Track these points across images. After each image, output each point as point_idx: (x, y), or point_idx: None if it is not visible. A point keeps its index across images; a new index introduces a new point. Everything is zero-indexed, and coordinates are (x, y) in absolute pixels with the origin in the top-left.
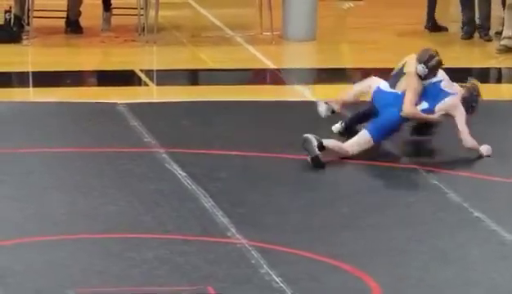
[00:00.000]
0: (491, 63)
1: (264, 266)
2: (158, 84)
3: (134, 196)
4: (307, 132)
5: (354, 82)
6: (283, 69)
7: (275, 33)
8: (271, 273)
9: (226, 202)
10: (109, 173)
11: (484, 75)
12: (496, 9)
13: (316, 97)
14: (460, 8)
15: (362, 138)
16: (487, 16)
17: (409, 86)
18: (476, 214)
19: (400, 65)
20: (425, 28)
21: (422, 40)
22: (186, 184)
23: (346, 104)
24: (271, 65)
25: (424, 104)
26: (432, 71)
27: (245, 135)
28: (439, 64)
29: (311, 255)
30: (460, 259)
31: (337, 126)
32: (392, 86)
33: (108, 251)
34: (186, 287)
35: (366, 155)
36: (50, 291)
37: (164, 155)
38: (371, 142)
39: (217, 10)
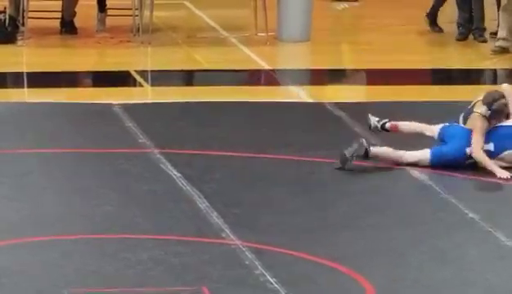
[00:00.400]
0: (486, 64)
1: (259, 267)
2: (153, 85)
3: (129, 197)
4: (302, 133)
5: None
6: (278, 70)
7: (269, 33)
8: (265, 274)
9: (220, 203)
10: (104, 174)
11: (479, 76)
12: (490, 10)
13: (312, 98)
14: (455, 9)
15: (423, 155)
16: (481, 17)
17: (475, 128)
18: (471, 215)
19: (471, 105)
20: (426, 15)
21: (417, 41)
22: (180, 184)
23: (396, 130)
24: (265, 66)
25: (490, 146)
26: (495, 114)
27: (240, 136)
28: (503, 108)
29: (306, 256)
30: (457, 259)
31: (374, 121)
32: (463, 123)
33: (103, 251)
34: (180, 288)
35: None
36: (45, 292)
37: (159, 156)
38: (427, 163)
39: (212, 11)
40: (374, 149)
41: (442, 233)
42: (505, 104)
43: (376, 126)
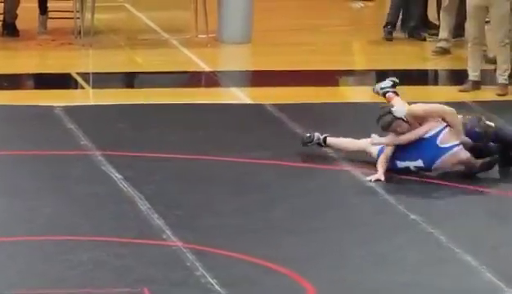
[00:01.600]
0: (427, 65)
1: (200, 269)
2: (94, 87)
3: (70, 199)
4: (243, 134)
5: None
6: (218, 72)
7: (210, 35)
8: (206, 275)
9: (161, 205)
10: (45, 176)
11: (420, 77)
12: (430, 11)
13: (252, 99)
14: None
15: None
16: (419, 16)
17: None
18: (412, 216)
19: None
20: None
21: (357, 42)
22: (121, 186)
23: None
24: (206, 68)
25: (419, 162)
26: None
27: (181, 138)
28: (385, 126)
29: (247, 257)
30: (399, 261)
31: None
32: None
33: (44, 253)
34: (122, 290)
35: (304, 158)
36: None
37: (100, 158)
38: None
39: (152, 13)
40: (330, 140)
41: (384, 235)
42: (388, 122)
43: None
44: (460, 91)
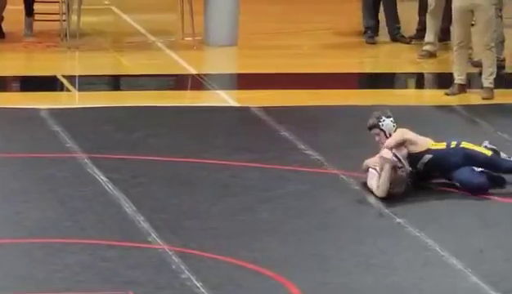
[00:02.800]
0: (413, 68)
1: (185, 271)
2: (80, 90)
3: (56, 201)
4: (229, 137)
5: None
6: (204, 75)
7: (196, 38)
8: (192, 278)
9: (147, 208)
10: (31, 178)
11: (406, 80)
12: (410, 14)
13: (238, 102)
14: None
15: None
16: (395, 16)
17: None
18: (398, 220)
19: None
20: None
21: (345, 45)
22: (107, 189)
23: None
24: (192, 71)
25: None
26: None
27: (167, 141)
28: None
29: (232, 260)
30: (383, 265)
31: None
32: None
33: (31, 256)
34: (108, 293)
35: (289, 160)
36: None
37: (86, 160)
38: None
39: (139, 15)
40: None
41: (369, 238)
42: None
43: None
44: (446, 94)
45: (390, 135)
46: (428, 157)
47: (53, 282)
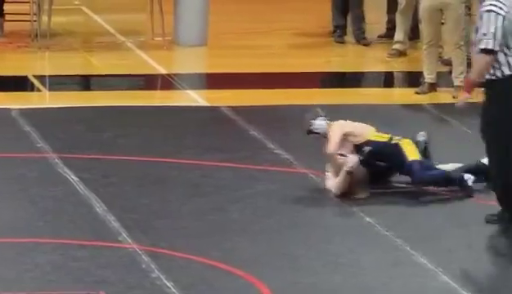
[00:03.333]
0: (383, 67)
1: (156, 271)
2: (51, 90)
3: (28, 201)
4: (199, 136)
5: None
6: (174, 74)
7: (166, 38)
8: (162, 277)
9: (118, 208)
10: (2, 178)
11: (376, 79)
12: (378, 13)
13: (208, 102)
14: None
15: None
16: (361, 18)
17: None
18: (367, 219)
19: None
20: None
21: (313, 44)
22: (78, 189)
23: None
24: (162, 70)
25: None
26: None
27: (138, 141)
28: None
29: (203, 260)
30: (352, 264)
31: None
32: None
33: (2, 256)
34: (78, 292)
35: (259, 160)
36: None
37: (57, 160)
38: None
39: (109, 16)
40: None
41: (338, 238)
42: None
43: None
44: (417, 93)
45: (326, 134)
46: (367, 149)
47: (24, 281)
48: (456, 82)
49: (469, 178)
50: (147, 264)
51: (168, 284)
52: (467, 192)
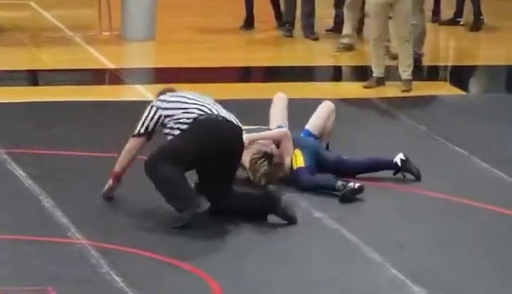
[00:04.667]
0: (331, 61)
1: (104, 266)
2: None
3: None
4: None
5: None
6: (122, 69)
7: (114, 32)
8: (111, 273)
9: (66, 203)
10: None
11: (324, 74)
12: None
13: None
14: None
15: None
16: (310, 13)
17: None
18: (316, 214)
19: None
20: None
21: (262, 39)
22: (26, 184)
23: None
24: (110, 65)
25: None
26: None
27: (86, 136)
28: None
29: (151, 255)
30: (302, 259)
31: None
32: None
33: None
34: (26, 289)
35: None
36: None
37: (5, 156)
38: None
39: (56, 11)
40: None
41: (286, 232)
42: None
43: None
44: (365, 87)
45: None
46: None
47: None
48: (405, 76)
49: (354, 184)
50: (96, 259)
51: (117, 279)
52: (348, 193)
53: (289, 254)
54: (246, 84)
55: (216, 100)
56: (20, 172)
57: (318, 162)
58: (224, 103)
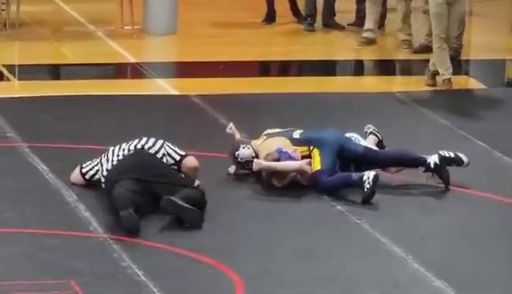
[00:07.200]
0: (352, 55)
1: (126, 260)
2: (20, 79)
3: None
4: (168, 125)
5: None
6: (144, 63)
7: (135, 27)
8: (133, 267)
9: (88, 197)
10: None
11: (345, 68)
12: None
13: (178, 90)
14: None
15: None
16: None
17: None
18: (338, 207)
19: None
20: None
21: (282, 34)
22: (48, 178)
23: None
24: (132, 59)
25: None
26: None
27: (108, 130)
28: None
29: (173, 249)
30: (324, 253)
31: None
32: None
33: None
34: (48, 282)
35: (228, 148)
36: None
37: (27, 150)
38: None
39: (78, 5)
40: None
41: (309, 227)
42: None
43: None
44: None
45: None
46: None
47: None
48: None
49: (368, 178)
50: (118, 253)
51: (138, 273)
52: (369, 195)
53: (311, 249)
54: (268, 78)
55: (238, 94)
56: (42, 166)
57: (344, 154)
58: (246, 97)
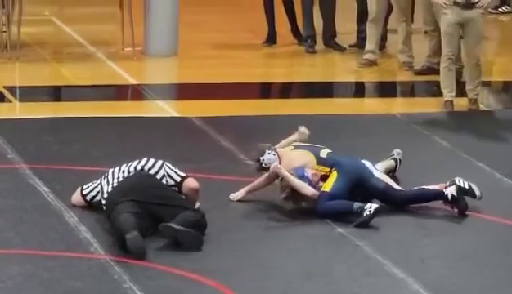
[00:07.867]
0: (352, 77)
1: (127, 281)
2: (21, 100)
3: None
4: (168, 147)
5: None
6: (145, 85)
7: (136, 48)
8: (134, 288)
9: (89, 218)
10: None
11: (346, 89)
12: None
13: (179, 112)
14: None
15: None
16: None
17: None
18: (339, 229)
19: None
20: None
21: (282, 55)
22: (49, 200)
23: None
24: (132, 81)
25: None
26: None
27: (108, 151)
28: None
29: (173, 270)
30: (324, 274)
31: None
32: None
33: None
34: None
35: (229, 170)
36: None
37: (28, 171)
38: None
39: (79, 26)
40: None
41: (309, 247)
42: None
43: None
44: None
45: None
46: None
47: None
48: (471, 95)
49: (370, 207)
50: (119, 274)
51: None
52: (365, 221)
53: (312, 269)
54: (268, 100)
55: (238, 116)
56: (42, 187)
57: (363, 189)
58: (246, 119)
